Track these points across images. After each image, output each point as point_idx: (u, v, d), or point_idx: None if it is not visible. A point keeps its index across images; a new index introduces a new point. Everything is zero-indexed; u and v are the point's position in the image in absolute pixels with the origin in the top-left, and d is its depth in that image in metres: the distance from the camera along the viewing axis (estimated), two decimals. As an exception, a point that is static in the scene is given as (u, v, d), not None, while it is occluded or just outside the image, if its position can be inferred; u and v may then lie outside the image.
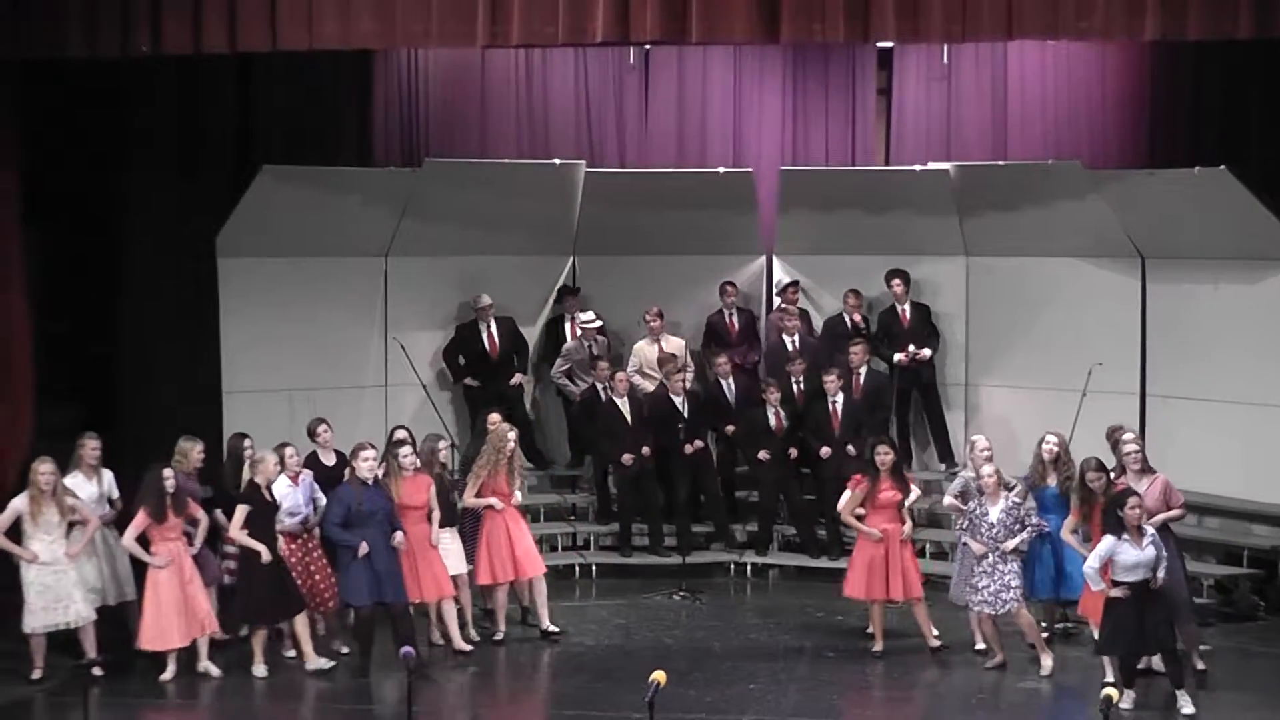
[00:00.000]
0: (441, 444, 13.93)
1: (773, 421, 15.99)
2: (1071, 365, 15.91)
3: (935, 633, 13.51)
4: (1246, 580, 14.97)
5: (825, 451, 15.82)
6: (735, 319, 17.12)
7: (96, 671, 12.13)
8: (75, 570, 12.84)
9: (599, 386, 16.23)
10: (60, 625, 12.77)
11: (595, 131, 17.96)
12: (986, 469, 13.06)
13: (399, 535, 12.88)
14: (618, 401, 16.05)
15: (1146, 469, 13.01)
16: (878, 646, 13.55)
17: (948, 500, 13.85)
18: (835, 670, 13.22)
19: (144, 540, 12.77)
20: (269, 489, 12.94)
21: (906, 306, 16.71)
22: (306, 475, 13.54)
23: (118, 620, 13.39)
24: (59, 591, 12.73)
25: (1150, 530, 11.92)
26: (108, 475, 13.44)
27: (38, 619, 12.73)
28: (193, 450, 13.44)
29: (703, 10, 13.08)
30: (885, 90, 17.93)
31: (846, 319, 16.88)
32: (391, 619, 12.85)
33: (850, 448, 15.40)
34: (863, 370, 16.23)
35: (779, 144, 17.95)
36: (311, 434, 14.18)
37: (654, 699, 8.96)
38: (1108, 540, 11.89)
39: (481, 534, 13.79)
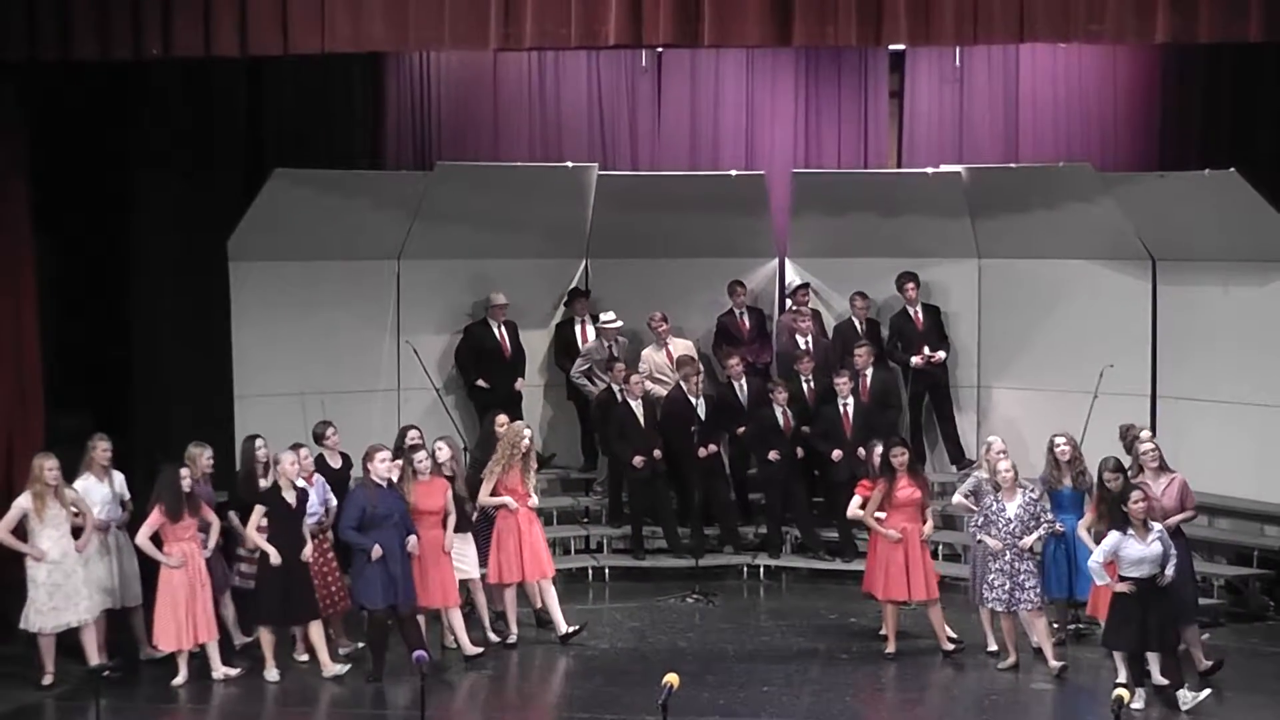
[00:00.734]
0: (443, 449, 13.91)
1: (781, 422, 16.00)
2: (1083, 367, 15.94)
3: (951, 634, 13.51)
4: (1257, 581, 14.99)
5: (837, 455, 15.83)
6: (747, 318, 17.13)
7: (108, 675, 12.19)
8: (84, 568, 12.83)
9: (615, 388, 16.23)
10: (67, 625, 12.75)
11: (608, 134, 18.00)
12: (1004, 464, 13.04)
13: (413, 539, 12.89)
14: (632, 404, 16.07)
15: (1164, 468, 13.04)
16: (890, 648, 13.55)
17: (957, 499, 13.87)
18: (849, 672, 13.23)
19: (157, 540, 12.78)
20: (290, 490, 12.92)
21: (919, 309, 16.72)
22: (319, 477, 13.56)
23: (123, 625, 13.40)
24: (68, 590, 12.72)
25: (1158, 526, 11.93)
26: (119, 477, 13.43)
27: (46, 619, 12.70)
28: (201, 456, 13.39)
29: (715, 13, 13.08)
30: (897, 93, 17.97)
31: (856, 322, 16.89)
32: (399, 624, 12.86)
33: (861, 450, 15.42)
34: (869, 372, 16.23)
35: (791, 147, 17.99)
36: (319, 437, 14.19)
37: (667, 701, 8.98)
38: (1113, 535, 11.93)
39: (494, 533, 13.81)
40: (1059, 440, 13.56)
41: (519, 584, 13.95)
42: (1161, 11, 12.76)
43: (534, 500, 13.93)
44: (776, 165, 17.69)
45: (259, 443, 13.69)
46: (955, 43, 15.31)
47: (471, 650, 13.44)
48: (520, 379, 16.88)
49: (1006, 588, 12.87)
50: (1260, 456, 15.33)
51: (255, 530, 12.85)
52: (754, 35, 13.31)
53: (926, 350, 16.56)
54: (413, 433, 14.03)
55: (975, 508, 13.39)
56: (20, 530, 12.77)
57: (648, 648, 13.91)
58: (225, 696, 12.74)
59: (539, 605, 14.12)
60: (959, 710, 12.61)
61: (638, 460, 15.96)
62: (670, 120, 18.08)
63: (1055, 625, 13.49)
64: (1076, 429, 14.68)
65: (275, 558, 12.74)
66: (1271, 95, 15.97)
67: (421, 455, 13.30)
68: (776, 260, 17.52)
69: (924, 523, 13.51)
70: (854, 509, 13.80)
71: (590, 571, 16.11)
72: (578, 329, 17.16)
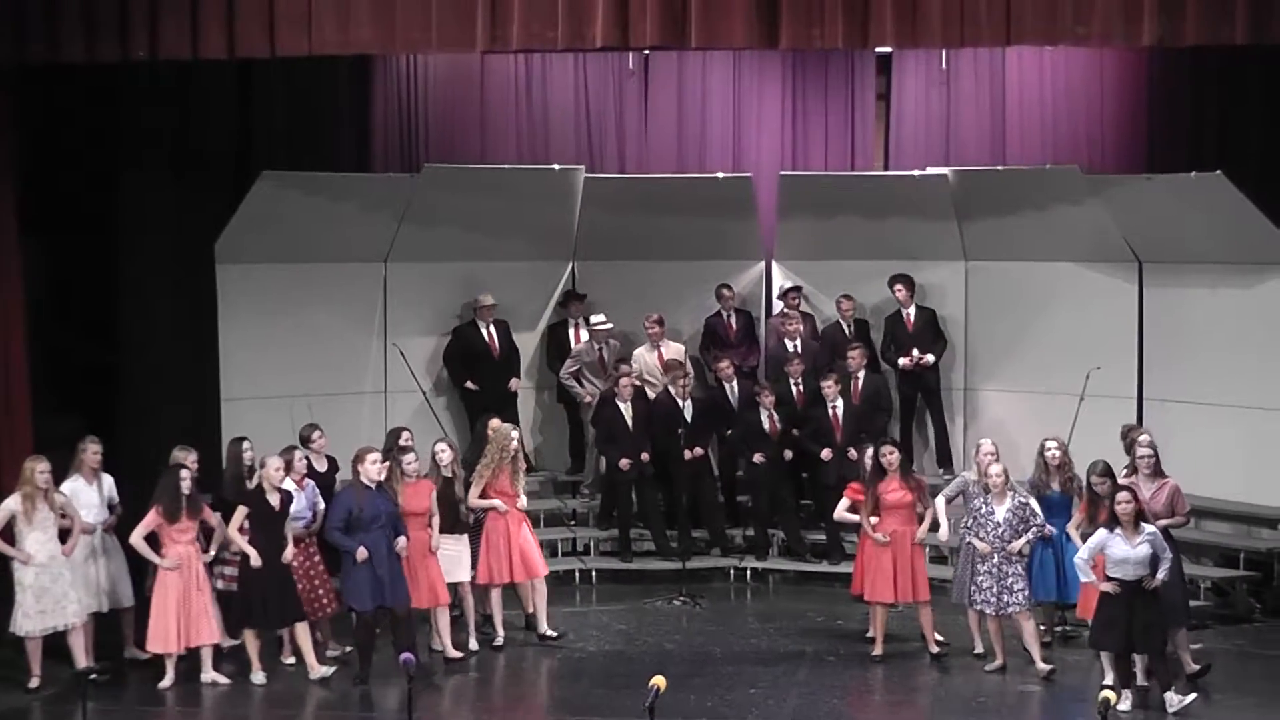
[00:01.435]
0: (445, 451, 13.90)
1: (766, 425, 16.01)
2: (1069, 369, 15.95)
3: (939, 638, 13.52)
4: (1243, 583, 15.00)
5: (827, 454, 15.83)
6: (734, 320, 17.15)
7: (94, 678, 12.18)
8: (71, 571, 12.80)
9: (615, 390, 16.24)
10: (55, 628, 12.72)
11: (595, 136, 18.02)
12: (995, 468, 13.02)
13: (401, 540, 12.88)
14: (621, 406, 16.06)
15: (1158, 473, 13.05)
16: (877, 650, 13.55)
17: (940, 502, 13.77)
18: (836, 674, 13.22)
19: (155, 541, 12.76)
20: (274, 493, 12.91)
21: (911, 311, 16.72)
22: (310, 481, 13.55)
23: (111, 628, 13.38)
24: (56, 593, 12.68)
25: (1149, 529, 11.93)
26: (108, 480, 13.40)
27: (34, 622, 12.66)
28: (186, 459, 13.31)
29: (702, 16, 13.09)
30: (884, 95, 18.00)
31: (843, 325, 16.91)
32: (393, 624, 12.86)
33: (851, 452, 15.44)
34: (861, 374, 16.24)
35: (778, 149, 18.02)
36: (305, 440, 14.15)
37: (654, 704, 8.97)
38: (1100, 533, 11.96)
39: (483, 535, 13.81)
40: (1050, 444, 13.58)
41: (511, 586, 13.92)
42: (1148, 14, 12.80)
43: (523, 501, 13.92)
44: (763, 167, 17.72)
45: (245, 445, 13.67)
46: (942, 45, 15.32)
47: (453, 654, 13.43)
48: (515, 379, 16.87)
49: (995, 590, 12.88)
50: (1247, 459, 15.36)
51: (236, 532, 12.83)
52: (741, 37, 13.33)
53: (916, 353, 16.56)
54: (405, 434, 14.01)
55: (944, 521, 13.39)
56: (7, 532, 12.74)
57: (634, 650, 13.90)
58: (212, 699, 12.71)
59: (530, 609, 14.11)
60: (946, 712, 12.59)
61: (624, 463, 15.97)
62: (657, 122, 18.11)
63: (1042, 628, 13.49)
64: (1063, 431, 14.68)
65: (255, 560, 12.72)
66: (1257, 98, 16.02)
67: (410, 457, 13.29)
68: (763, 262, 17.53)
69: (918, 525, 13.47)
70: (841, 511, 13.83)
71: (577, 574, 16.11)
72: (571, 331, 17.14)
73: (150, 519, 12.75)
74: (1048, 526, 13.17)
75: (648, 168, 17.83)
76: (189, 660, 12.94)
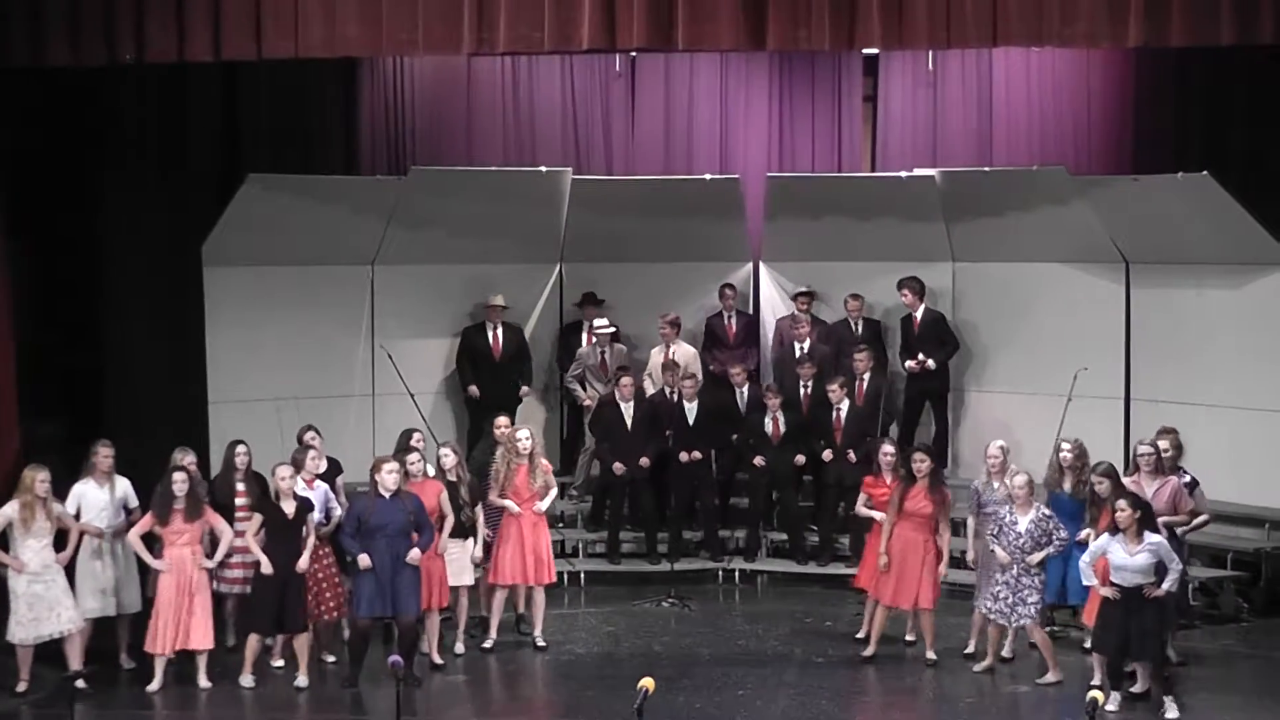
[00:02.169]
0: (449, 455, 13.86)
1: (769, 428, 15.99)
2: (1057, 370, 15.94)
3: (931, 656, 13.40)
4: (1231, 583, 15.02)
5: (827, 455, 15.83)
6: (734, 321, 17.14)
7: (80, 684, 12.17)
8: (63, 578, 12.77)
9: (617, 390, 16.23)
10: (48, 636, 12.69)
11: (582, 138, 18.04)
12: (1019, 479, 12.88)
13: (414, 552, 12.74)
14: (622, 406, 16.06)
15: (1159, 471, 13.04)
16: (869, 650, 13.51)
17: (970, 523, 13.67)
18: (824, 676, 13.21)
19: (152, 542, 12.76)
20: (286, 500, 12.85)
21: (919, 314, 16.66)
22: (320, 483, 13.51)
23: (110, 632, 13.32)
24: (49, 600, 12.64)
25: (1154, 539, 11.86)
26: (123, 483, 13.32)
27: (26, 630, 12.64)
28: (182, 460, 13.26)
29: (689, 17, 13.10)
30: (871, 97, 18.02)
31: (850, 324, 16.89)
32: (397, 632, 12.82)
33: (850, 454, 15.43)
34: (866, 376, 16.17)
35: (766, 150, 18.05)
36: (299, 440, 14.12)
37: (643, 706, 8.96)
38: (1103, 537, 11.97)
39: (497, 535, 13.80)
40: (1064, 445, 13.54)
41: (512, 588, 13.90)
42: (1134, 16, 12.82)
43: (541, 505, 13.85)
44: (751, 169, 17.73)
45: (240, 449, 13.62)
46: (929, 46, 15.34)
47: (438, 659, 13.40)
48: (525, 386, 16.83)
49: (1009, 601, 12.79)
50: (1234, 458, 15.35)
51: (253, 539, 12.82)
52: (728, 39, 13.33)
53: (921, 355, 16.51)
54: (415, 435, 13.96)
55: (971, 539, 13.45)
56: (3, 540, 12.73)
57: (623, 652, 13.89)
58: (202, 703, 12.66)
59: (521, 609, 14.08)
60: (935, 714, 12.63)
61: (617, 467, 15.97)
62: (644, 124, 18.12)
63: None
64: (1050, 432, 14.70)
65: (267, 567, 12.70)
66: (1243, 98, 16.04)
67: (414, 457, 13.26)
68: (751, 264, 17.53)
69: (934, 535, 13.31)
70: (860, 507, 13.83)
71: (565, 576, 16.06)
72: (584, 334, 17.12)
73: (145, 520, 12.76)
74: (1066, 541, 13.00)
75: (635, 169, 17.84)
76: (179, 664, 12.89)
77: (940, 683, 13.08)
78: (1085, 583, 12.23)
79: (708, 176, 17.21)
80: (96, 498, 13.12)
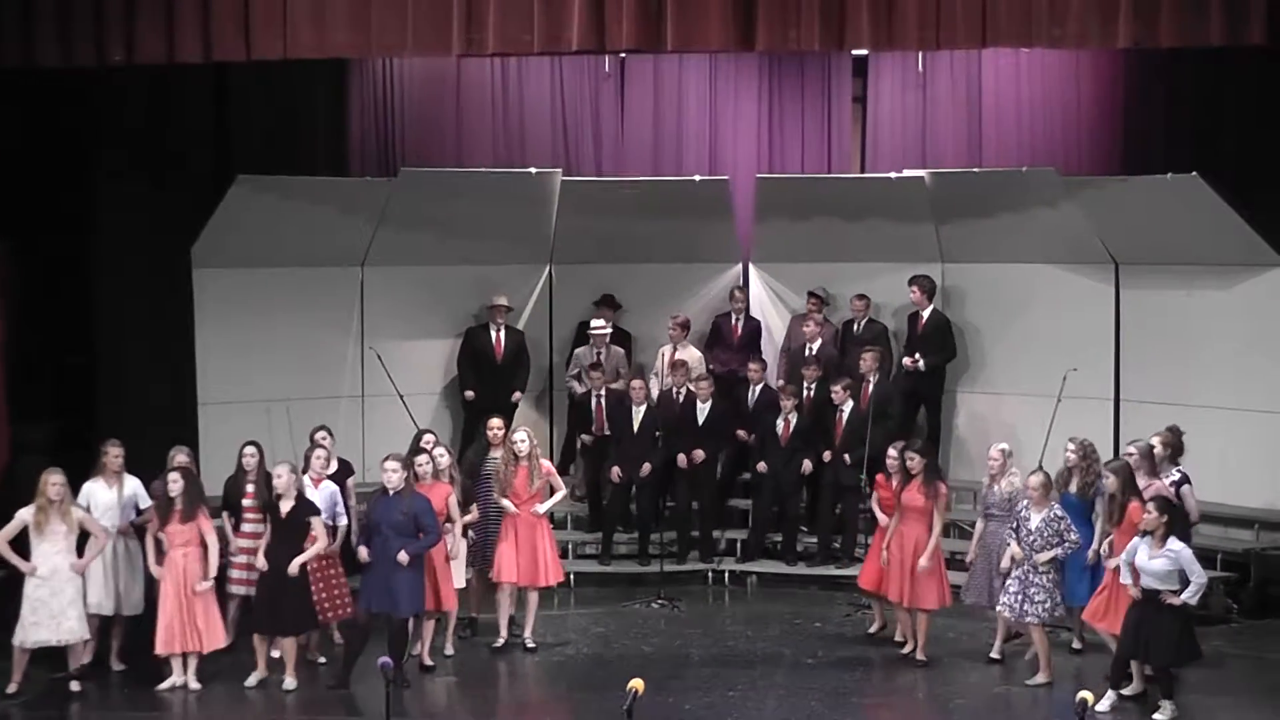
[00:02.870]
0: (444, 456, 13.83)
1: (780, 428, 15.97)
2: (1046, 371, 15.91)
3: (921, 657, 13.42)
4: (1220, 584, 15.00)
5: (827, 456, 15.82)
6: (740, 324, 17.12)
7: (75, 687, 12.14)
8: (73, 587, 12.70)
9: (593, 393, 16.27)
10: (49, 643, 12.64)
11: (571, 140, 18.05)
12: (1035, 478, 12.89)
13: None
14: (634, 410, 16.07)
15: (1151, 472, 13.06)
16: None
17: (979, 525, 13.70)
18: (814, 677, 13.20)
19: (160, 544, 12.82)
20: (287, 501, 12.80)
21: (926, 313, 16.62)
22: (329, 483, 13.51)
23: (105, 633, 13.28)
24: (53, 608, 12.57)
25: (1176, 546, 11.86)
26: (133, 482, 13.30)
27: (27, 634, 12.60)
28: (176, 459, 13.22)
29: (678, 18, 13.10)
30: (860, 98, 18.02)
31: (855, 324, 16.89)
32: (389, 631, 12.82)
33: (847, 457, 15.43)
34: (872, 378, 16.05)
35: (755, 152, 18.04)
36: (312, 440, 14.08)
37: (632, 707, 8.96)
38: (1135, 539, 12.01)
39: (498, 534, 13.80)
40: (1069, 444, 13.54)
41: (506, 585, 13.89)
42: (1123, 17, 12.83)
43: (540, 507, 13.80)
44: (740, 170, 17.73)
45: (248, 450, 13.56)
46: (918, 48, 15.29)
47: (428, 661, 13.39)
48: (518, 391, 16.81)
49: (1019, 598, 12.80)
50: (1223, 460, 15.36)
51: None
52: (717, 40, 13.33)
53: (916, 355, 16.48)
54: (427, 436, 13.90)
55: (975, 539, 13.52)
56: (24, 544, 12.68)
57: (613, 653, 13.89)
58: (195, 703, 12.62)
59: (512, 610, 14.05)
60: (925, 714, 12.64)
61: (614, 473, 15.98)
62: (633, 125, 18.12)
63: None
64: (1041, 433, 14.72)
65: (260, 564, 12.71)
66: (1233, 99, 16.04)
67: (422, 459, 13.26)
68: (740, 265, 17.53)
69: (929, 532, 13.32)
70: (873, 504, 13.92)
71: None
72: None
73: (155, 520, 12.81)
74: (1079, 542, 12.96)
75: (624, 170, 17.83)
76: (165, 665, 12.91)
77: (930, 683, 13.08)
78: (1122, 580, 12.20)
79: (697, 178, 17.22)
80: (104, 497, 13.12)
